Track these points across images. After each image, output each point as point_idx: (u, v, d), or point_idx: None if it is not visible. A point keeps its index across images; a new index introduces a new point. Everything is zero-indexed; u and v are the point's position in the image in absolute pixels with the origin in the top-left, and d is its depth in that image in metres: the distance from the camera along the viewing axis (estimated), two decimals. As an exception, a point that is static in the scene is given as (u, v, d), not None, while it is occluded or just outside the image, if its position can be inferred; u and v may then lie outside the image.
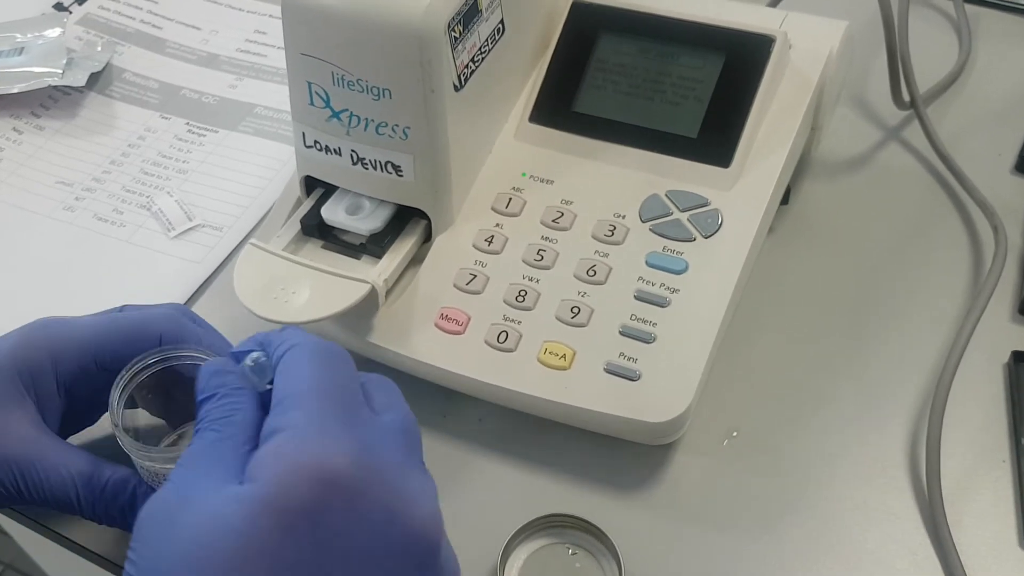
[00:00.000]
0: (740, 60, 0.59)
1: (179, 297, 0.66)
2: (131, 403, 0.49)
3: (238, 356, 0.40)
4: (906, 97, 0.66)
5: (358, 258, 0.59)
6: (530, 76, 0.62)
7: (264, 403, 0.38)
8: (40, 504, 0.47)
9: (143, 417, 0.52)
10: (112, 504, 0.47)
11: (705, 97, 0.59)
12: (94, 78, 0.78)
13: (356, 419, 0.35)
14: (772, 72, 0.58)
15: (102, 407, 0.49)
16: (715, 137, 0.58)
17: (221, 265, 0.68)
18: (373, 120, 0.56)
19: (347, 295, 0.56)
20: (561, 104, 0.61)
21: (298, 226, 0.60)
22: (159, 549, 0.33)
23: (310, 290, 0.56)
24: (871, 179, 0.67)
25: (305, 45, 0.55)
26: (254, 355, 0.39)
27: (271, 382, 0.38)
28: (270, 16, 0.85)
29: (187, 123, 0.77)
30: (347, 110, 0.56)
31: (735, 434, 0.56)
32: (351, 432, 0.34)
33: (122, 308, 0.54)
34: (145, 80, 0.80)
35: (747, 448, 0.55)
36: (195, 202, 0.71)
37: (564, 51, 0.62)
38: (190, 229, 0.70)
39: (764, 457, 0.55)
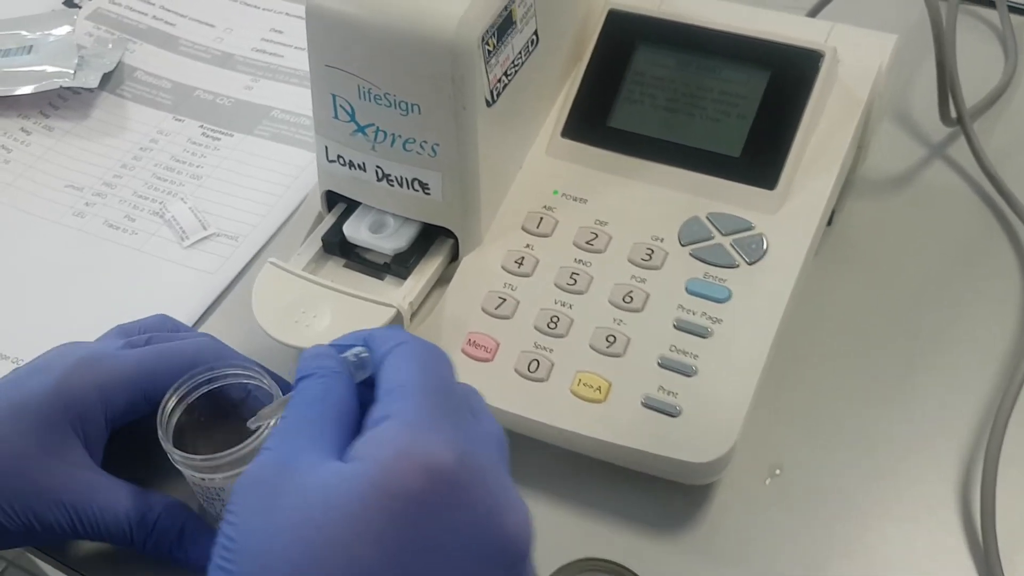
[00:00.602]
0: (787, 76, 0.55)
1: (193, 310, 0.62)
2: (178, 426, 0.48)
3: (340, 348, 0.39)
4: (953, 113, 0.62)
5: (381, 278, 0.56)
6: (562, 88, 0.58)
7: (357, 395, 0.38)
8: (92, 539, 0.47)
9: (190, 439, 0.50)
10: (163, 539, 0.47)
11: (749, 114, 0.55)
12: (105, 77, 0.74)
13: (460, 419, 0.35)
14: (820, 89, 0.54)
15: (144, 437, 0.48)
16: (760, 157, 0.54)
17: (237, 277, 0.64)
18: (400, 136, 0.52)
19: (371, 319, 0.52)
20: (595, 119, 0.57)
21: (319, 244, 0.57)
22: (261, 514, 0.32)
23: (332, 314, 0.52)
24: (916, 199, 0.63)
25: (330, 56, 0.51)
26: (357, 349, 0.38)
27: (366, 380, 0.38)
28: (286, 14, 0.81)
29: (201, 126, 0.73)
30: (373, 125, 0.52)
31: (778, 472, 0.52)
32: (456, 430, 0.34)
33: (148, 339, 0.52)
34: (158, 80, 0.76)
35: (790, 487, 0.51)
36: (209, 210, 0.67)
37: (599, 62, 0.58)
38: (204, 238, 0.66)
39: (808, 497, 0.51)
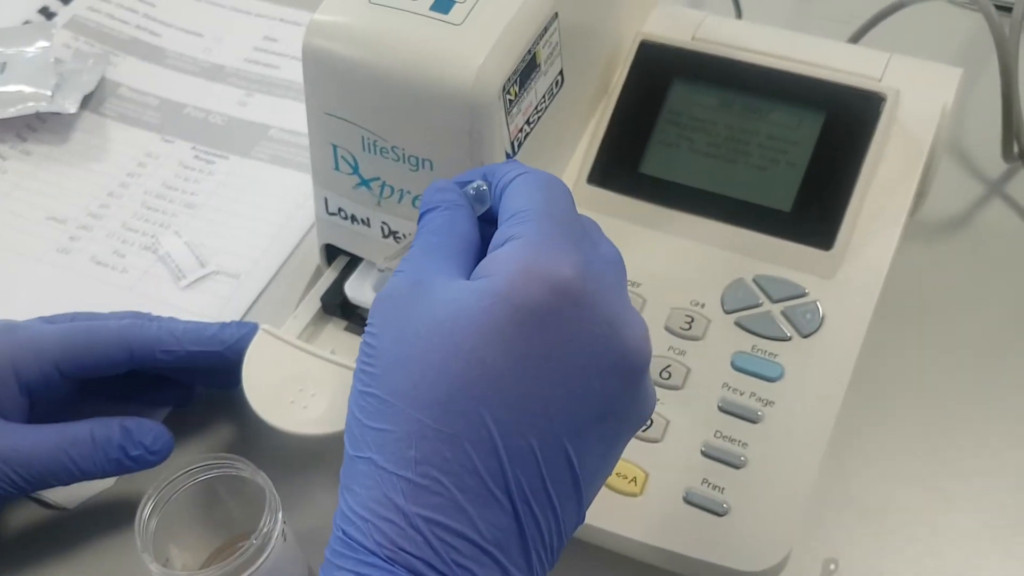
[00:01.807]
0: (844, 120, 0.46)
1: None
2: (164, 525, 0.42)
3: (462, 183, 0.38)
4: (1015, 149, 0.54)
5: (388, 343, 0.47)
6: (587, 128, 0.50)
7: (477, 225, 0.38)
8: (38, 485, 0.46)
9: (178, 541, 0.44)
10: (109, 447, 0.46)
11: (801, 162, 0.46)
12: (86, 97, 0.65)
13: (581, 241, 0.35)
14: (881, 134, 0.46)
15: (69, 415, 0.47)
16: (814, 212, 0.46)
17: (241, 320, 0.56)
18: (409, 192, 0.44)
19: (377, 396, 0.44)
20: (625, 164, 0.49)
21: (318, 304, 0.48)
22: (397, 324, 0.33)
23: (332, 392, 0.44)
24: (974, 242, 0.54)
25: (331, 104, 0.42)
26: (477, 183, 0.38)
27: (485, 215, 0.38)
28: (280, 20, 0.72)
29: (193, 147, 0.64)
30: (379, 179, 0.44)
31: (833, 567, 0.44)
32: (577, 250, 0.34)
33: (73, 317, 0.51)
34: (143, 96, 0.67)
35: (847, 586, 0.44)
36: (206, 242, 0.59)
37: (629, 100, 0.49)
38: (203, 277, 0.57)
39: (867, 597, 0.44)
